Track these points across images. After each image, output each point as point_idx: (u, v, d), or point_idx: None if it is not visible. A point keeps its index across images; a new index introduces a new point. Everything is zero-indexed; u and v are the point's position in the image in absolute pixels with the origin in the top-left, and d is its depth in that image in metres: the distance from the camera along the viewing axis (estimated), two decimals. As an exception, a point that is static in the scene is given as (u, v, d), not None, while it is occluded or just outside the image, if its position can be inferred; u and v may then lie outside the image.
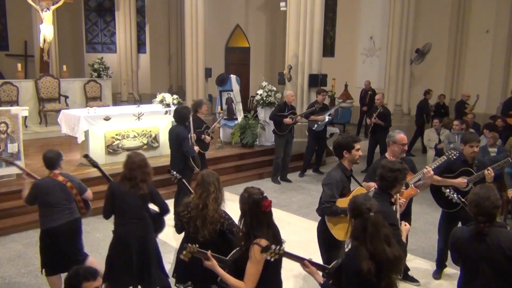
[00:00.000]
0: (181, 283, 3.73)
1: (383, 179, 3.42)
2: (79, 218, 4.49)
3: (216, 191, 3.52)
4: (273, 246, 2.73)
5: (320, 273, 2.91)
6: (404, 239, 3.32)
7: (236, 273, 2.96)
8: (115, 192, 4.06)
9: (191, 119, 6.66)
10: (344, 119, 14.22)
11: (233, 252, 3.10)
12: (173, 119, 8.77)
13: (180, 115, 6.47)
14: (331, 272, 2.88)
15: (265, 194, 3.03)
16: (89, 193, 4.58)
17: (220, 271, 3.01)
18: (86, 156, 4.64)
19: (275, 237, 2.99)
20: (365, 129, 10.04)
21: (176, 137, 6.38)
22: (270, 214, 3.02)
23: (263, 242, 2.85)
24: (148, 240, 4.12)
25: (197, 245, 3.00)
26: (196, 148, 6.69)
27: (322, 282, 2.86)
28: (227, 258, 3.12)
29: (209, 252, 3.03)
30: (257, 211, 2.96)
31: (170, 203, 4.76)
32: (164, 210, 4.26)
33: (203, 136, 7.17)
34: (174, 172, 4.39)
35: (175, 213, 3.77)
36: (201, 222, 3.45)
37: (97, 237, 6.06)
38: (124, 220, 4.05)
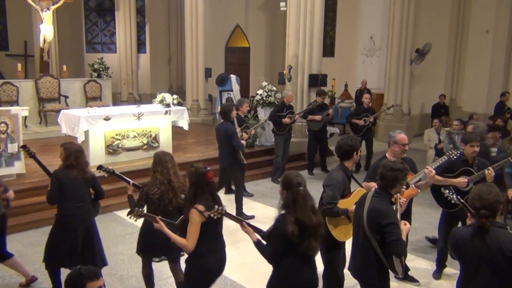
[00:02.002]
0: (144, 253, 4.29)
1: (383, 178, 3.42)
2: (4, 213, 4.64)
3: (173, 167, 4.20)
4: (216, 206, 3.27)
5: (256, 234, 3.35)
6: (404, 238, 3.33)
7: (184, 234, 3.46)
8: (62, 179, 4.27)
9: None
10: (344, 119, 14.20)
11: (180, 218, 3.64)
12: (171, 119, 8.91)
13: (226, 112, 7.01)
14: (265, 235, 3.34)
15: (208, 168, 3.56)
16: (10, 193, 4.76)
17: (167, 231, 3.54)
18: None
19: (216, 202, 3.48)
20: (354, 129, 9.91)
21: (225, 133, 6.89)
22: (212, 184, 3.60)
23: (201, 207, 3.40)
24: (92, 222, 4.48)
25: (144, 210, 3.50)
26: (244, 142, 7.20)
27: (255, 240, 3.30)
28: (176, 222, 3.66)
29: (158, 217, 3.59)
30: (202, 181, 3.50)
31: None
32: (101, 194, 4.62)
33: (240, 133, 7.48)
34: (108, 167, 4.48)
35: (144, 194, 4.12)
36: (173, 193, 4.11)
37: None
38: (71, 205, 4.29)
